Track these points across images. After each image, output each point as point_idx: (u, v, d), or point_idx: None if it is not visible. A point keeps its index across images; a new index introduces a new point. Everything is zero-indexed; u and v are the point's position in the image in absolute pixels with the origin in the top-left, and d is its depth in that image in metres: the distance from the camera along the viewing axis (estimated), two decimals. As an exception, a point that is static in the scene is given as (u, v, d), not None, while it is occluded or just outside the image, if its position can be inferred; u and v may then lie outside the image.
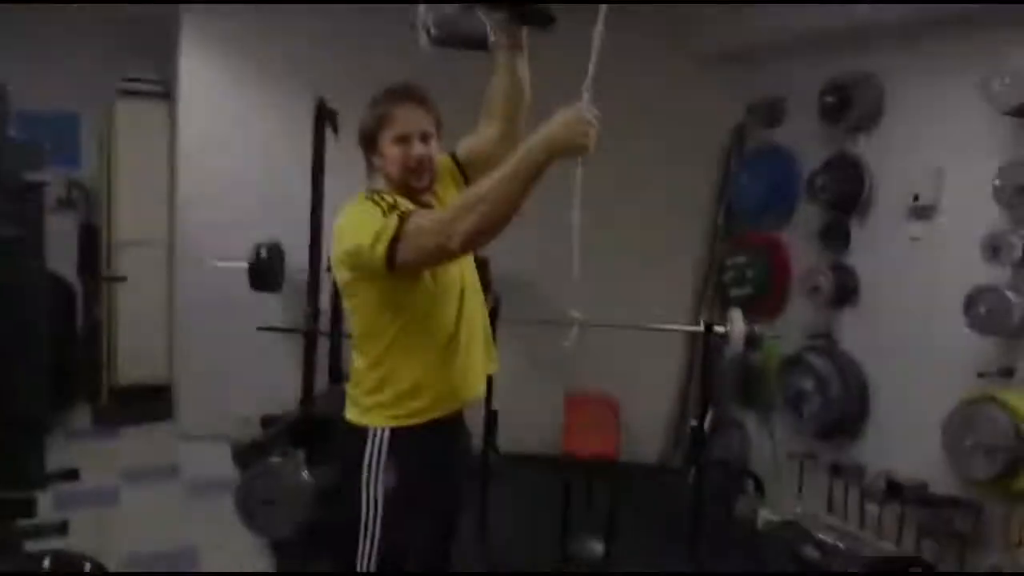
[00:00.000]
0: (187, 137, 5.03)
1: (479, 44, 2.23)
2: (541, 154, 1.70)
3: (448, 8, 2.30)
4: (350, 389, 2.12)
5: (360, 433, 2.04)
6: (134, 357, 5.61)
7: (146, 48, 5.63)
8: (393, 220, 1.85)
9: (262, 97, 4.97)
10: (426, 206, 2.07)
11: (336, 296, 4.69)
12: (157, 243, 5.59)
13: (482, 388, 2.17)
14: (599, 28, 1.66)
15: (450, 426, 2.10)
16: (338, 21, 4.81)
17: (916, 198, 3.62)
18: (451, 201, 2.14)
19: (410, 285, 1.95)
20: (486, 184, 1.76)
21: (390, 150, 2.03)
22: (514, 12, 2.09)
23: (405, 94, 2.06)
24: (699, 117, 4.88)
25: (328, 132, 4.05)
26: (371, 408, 2.04)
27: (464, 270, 2.10)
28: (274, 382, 4.84)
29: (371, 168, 2.10)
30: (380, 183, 2.09)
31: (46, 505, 3.93)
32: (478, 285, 2.18)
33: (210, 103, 4.97)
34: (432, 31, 2.30)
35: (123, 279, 5.30)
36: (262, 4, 4.82)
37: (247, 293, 4.57)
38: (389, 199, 1.93)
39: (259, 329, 4.25)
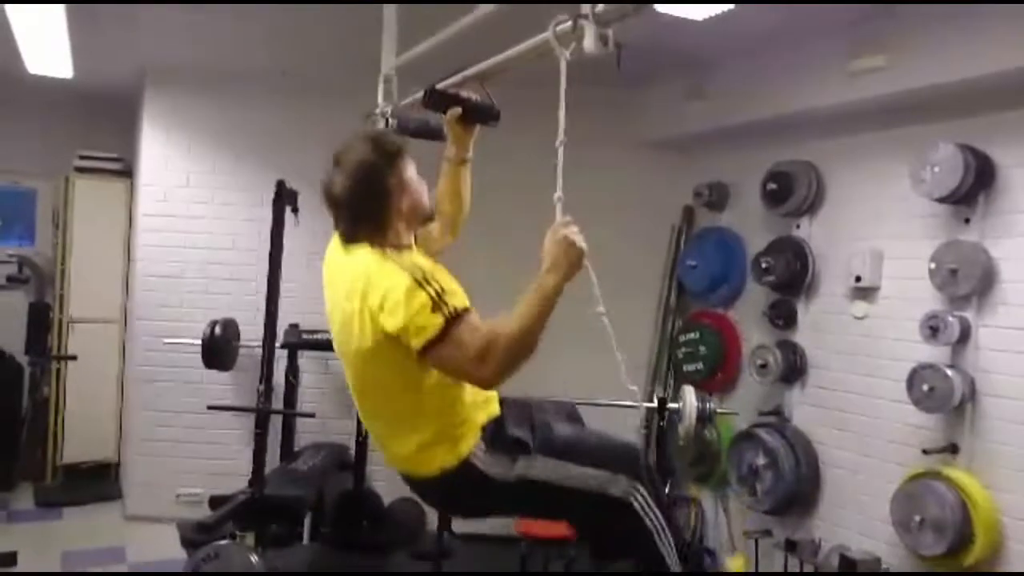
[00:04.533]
0: (144, 215, 5.04)
1: (435, 135, 2.32)
2: (554, 288, 1.81)
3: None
4: (414, 453, 2.05)
5: (466, 468, 2.01)
6: (81, 436, 5.48)
7: (108, 126, 5.67)
8: (438, 320, 1.82)
9: (223, 176, 5.01)
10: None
11: (291, 373, 4.68)
12: (109, 321, 5.53)
13: None
14: (560, 137, 1.75)
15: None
16: (300, 104, 4.91)
17: (858, 279, 3.76)
18: None
19: None
20: (513, 326, 1.79)
21: (414, 185, 2.05)
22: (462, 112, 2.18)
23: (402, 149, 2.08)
24: (649, 200, 5.03)
25: (288, 212, 4.11)
26: (448, 442, 2.02)
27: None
28: (224, 462, 4.77)
29: (387, 215, 2.02)
30: (397, 225, 2.04)
31: (-20, 593, 3.79)
32: None
33: (170, 181, 4.99)
34: (391, 121, 2.40)
35: (73, 358, 5.21)
36: (223, 85, 4.90)
37: (198, 371, 4.53)
38: (436, 285, 1.86)
39: (209, 408, 4.19)
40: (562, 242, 1.79)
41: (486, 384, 1.88)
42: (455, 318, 1.82)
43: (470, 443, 2.02)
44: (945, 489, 3.21)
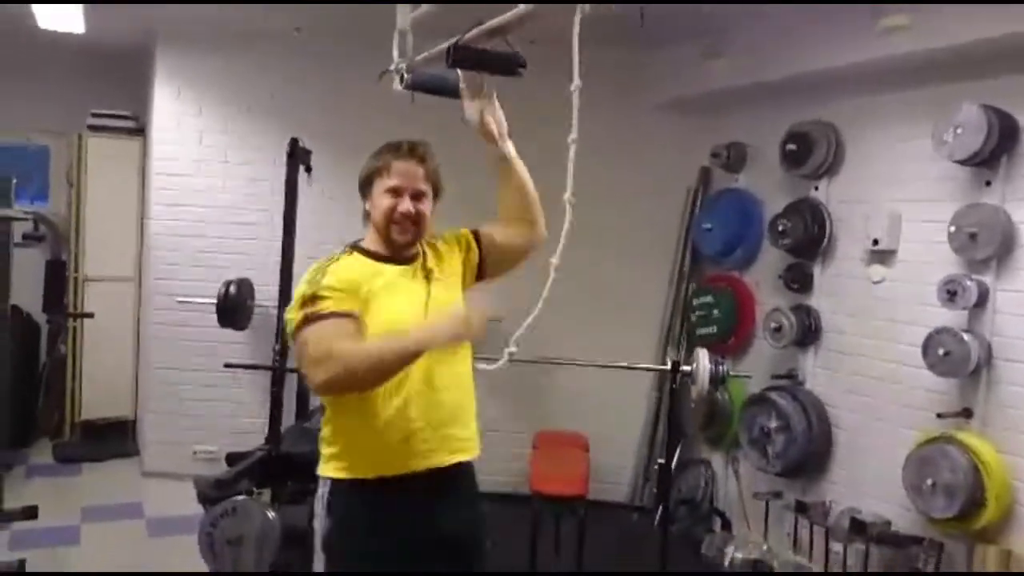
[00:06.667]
0: (158, 173, 5.03)
1: (450, 92, 2.29)
2: (413, 350, 1.85)
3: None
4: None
5: (320, 482, 2.08)
6: (98, 393, 5.54)
7: (119, 83, 5.64)
8: (299, 316, 1.92)
9: (236, 135, 4.99)
10: (410, 260, 2.10)
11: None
12: (124, 279, 5.56)
13: (443, 460, 2.06)
14: (574, 136, 1.70)
15: (408, 490, 2.02)
16: (313, 61, 4.87)
17: (876, 242, 3.72)
18: (454, 264, 2.18)
19: None
20: (363, 352, 1.86)
21: (380, 200, 2.07)
22: (482, 64, 2.13)
23: (407, 149, 2.10)
24: (665, 161, 4.99)
25: (301, 171, 4.09)
26: (327, 459, 2.07)
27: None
28: (240, 419, 4.82)
29: (366, 216, 2.13)
30: (370, 231, 2.13)
31: (2, 544, 3.86)
32: (459, 364, 2.09)
33: (183, 140, 4.98)
34: (406, 77, 2.36)
35: (90, 315, 5.25)
36: (236, 43, 4.86)
37: (214, 330, 4.56)
38: (326, 283, 1.94)
39: (226, 366, 4.23)
40: (468, 326, 1.85)
41: (313, 388, 1.92)
42: (313, 318, 1.90)
43: (340, 470, 2.03)
44: (958, 453, 3.20)
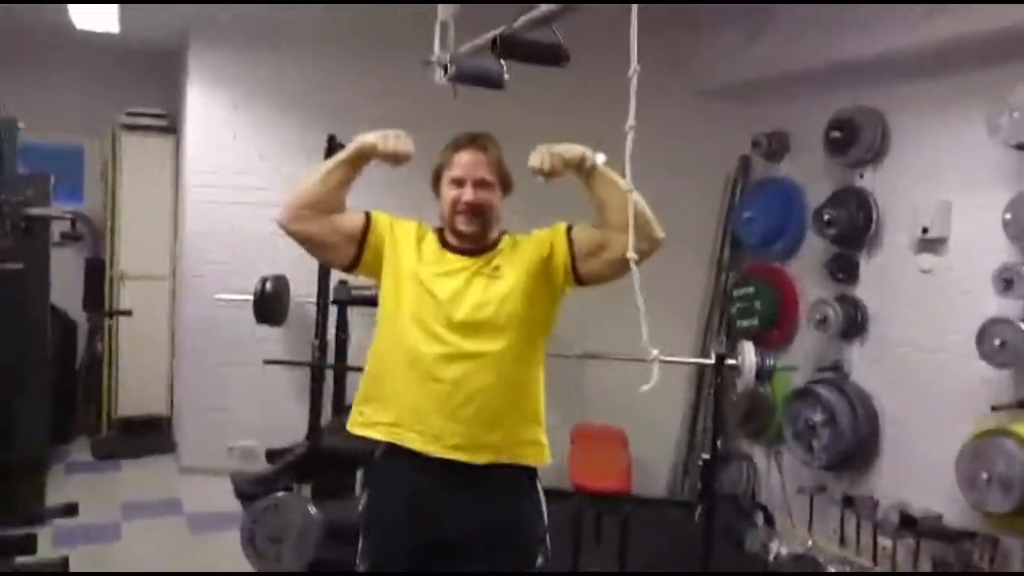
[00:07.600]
0: (192, 171, 5.03)
1: (494, 83, 2.24)
2: (348, 148, 2.09)
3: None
4: None
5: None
6: (136, 390, 5.57)
7: (153, 81, 5.66)
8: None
9: (269, 131, 4.98)
10: (474, 253, 2.11)
11: (341, 329, 4.68)
12: (159, 277, 5.58)
13: (443, 452, 2.03)
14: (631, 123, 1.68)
15: (422, 467, 2.04)
16: (348, 56, 4.84)
17: (925, 231, 3.64)
18: (528, 253, 2.13)
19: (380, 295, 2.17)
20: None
21: (446, 192, 2.11)
22: (528, 55, 2.10)
23: (467, 140, 2.12)
24: (703, 149, 4.91)
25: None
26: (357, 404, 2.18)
27: (467, 336, 2.02)
28: (276, 416, 4.81)
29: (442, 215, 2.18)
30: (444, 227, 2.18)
31: (45, 541, 3.88)
32: (494, 361, 2.03)
33: (216, 137, 4.97)
34: (448, 68, 2.32)
35: (128, 313, 5.27)
36: (270, 39, 4.84)
37: (250, 326, 4.54)
38: (388, 217, 2.18)
39: (266, 362, 4.22)
40: (384, 137, 2.03)
41: (279, 216, 2.14)
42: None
43: (358, 424, 2.14)
44: (1014, 446, 3.11)
